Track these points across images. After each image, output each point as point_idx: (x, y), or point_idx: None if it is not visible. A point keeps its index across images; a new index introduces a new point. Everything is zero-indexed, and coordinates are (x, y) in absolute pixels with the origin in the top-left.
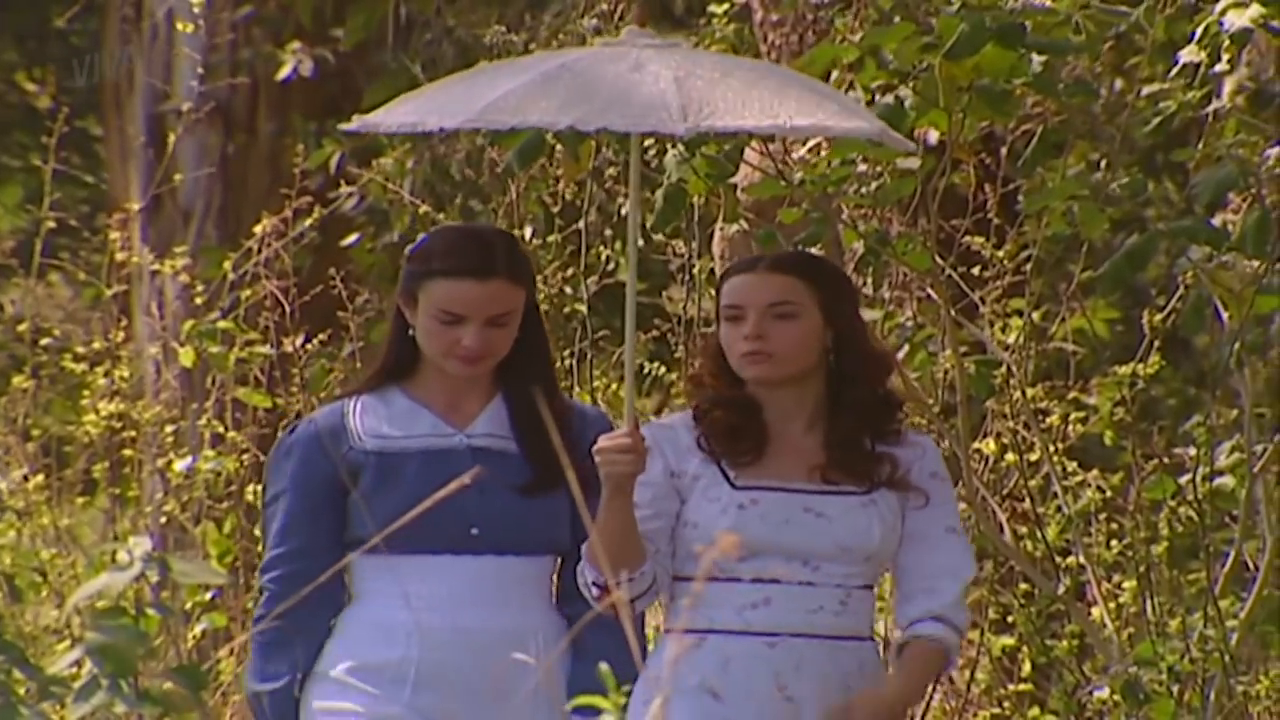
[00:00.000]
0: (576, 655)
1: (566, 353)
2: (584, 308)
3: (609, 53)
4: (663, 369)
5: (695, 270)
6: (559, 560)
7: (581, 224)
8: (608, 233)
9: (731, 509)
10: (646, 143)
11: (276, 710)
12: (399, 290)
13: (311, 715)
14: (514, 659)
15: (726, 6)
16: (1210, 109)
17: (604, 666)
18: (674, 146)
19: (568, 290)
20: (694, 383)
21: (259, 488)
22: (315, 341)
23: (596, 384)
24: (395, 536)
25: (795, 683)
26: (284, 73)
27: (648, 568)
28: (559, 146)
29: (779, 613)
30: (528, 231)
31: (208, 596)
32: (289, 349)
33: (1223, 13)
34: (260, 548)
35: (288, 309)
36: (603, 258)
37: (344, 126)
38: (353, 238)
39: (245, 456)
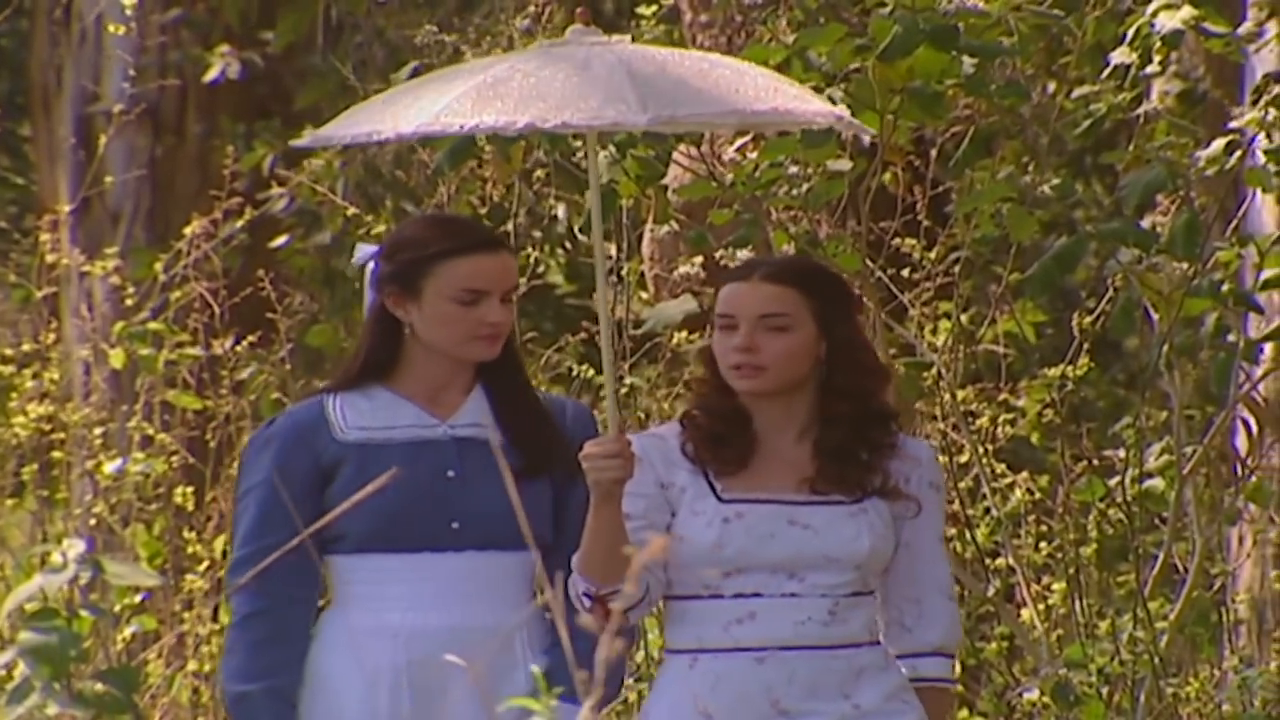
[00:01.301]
0: (555, 645)
1: None
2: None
3: (556, 52)
4: (591, 371)
5: (625, 272)
6: (542, 553)
7: (510, 226)
8: (537, 235)
9: (716, 522)
10: (575, 143)
11: (271, 710)
12: (387, 289)
13: None
14: (501, 656)
15: (655, 9)
16: (1140, 111)
17: (535, 669)
18: (605, 148)
19: None
20: (688, 388)
21: (188, 490)
22: (245, 343)
23: None
24: (375, 533)
25: (788, 696)
26: (212, 75)
27: (639, 578)
28: (489, 148)
29: (765, 626)
30: None
31: (137, 599)
32: (218, 351)
33: (1154, 14)
34: (190, 549)
35: (217, 311)
36: (531, 260)
37: (296, 143)
38: (282, 239)
39: (174, 459)
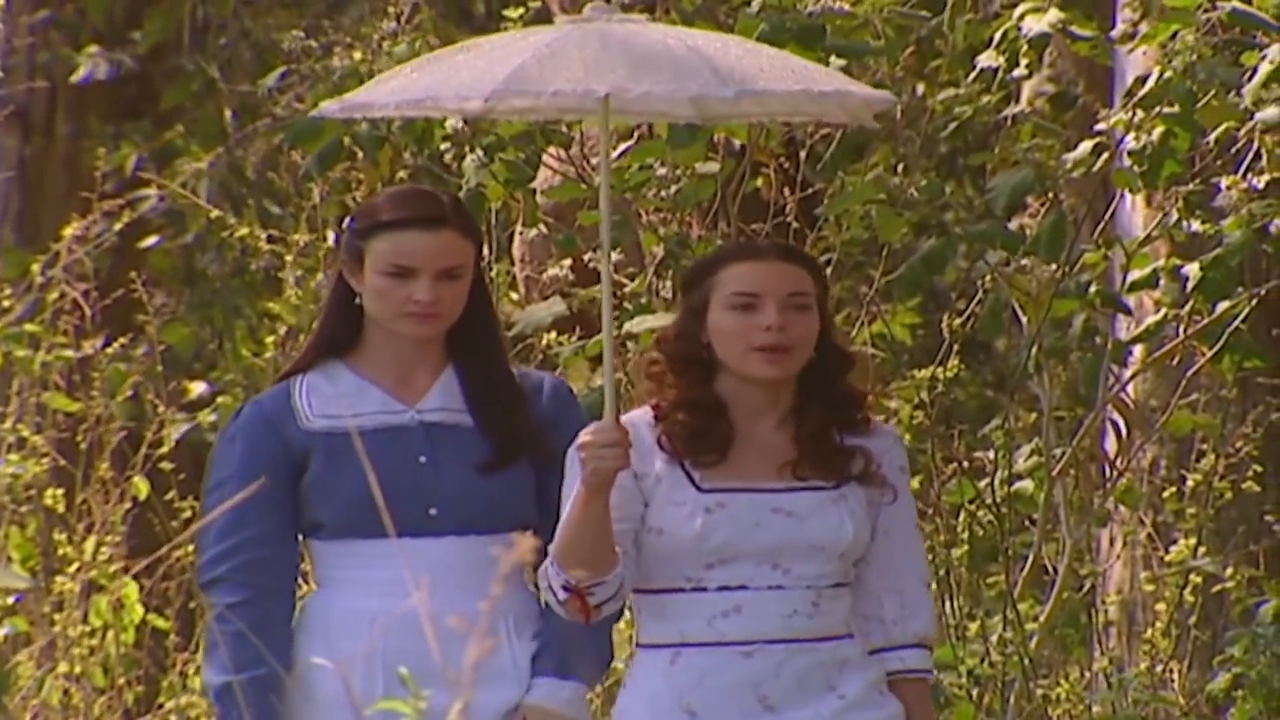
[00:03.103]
0: (543, 624)
1: None
2: None
3: (590, 29)
4: None
5: (494, 274)
6: (529, 533)
7: None
8: None
9: (699, 513)
10: (442, 145)
11: (254, 700)
12: (342, 257)
13: (292, 712)
14: (486, 641)
15: (522, 11)
16: (1008, 113)
17: (404, 670)
18: (472, 151)
19: None
20: (653, 380)
21: (60, 492)
22: (116, 344)
23: None
24: (352, 521)
25: (775, 691)
26: (80, 75)
27: (619, 571)
28: (359, 152)
29: (752, 620)
30: (329, 235)
31: (9, 600)
32: (89, 352)
33: (1021, 18)
34: (61, 551)
35: (88, 312)
36: None
37: (324, 108)
38: (153, 239)
39: (46, 460)
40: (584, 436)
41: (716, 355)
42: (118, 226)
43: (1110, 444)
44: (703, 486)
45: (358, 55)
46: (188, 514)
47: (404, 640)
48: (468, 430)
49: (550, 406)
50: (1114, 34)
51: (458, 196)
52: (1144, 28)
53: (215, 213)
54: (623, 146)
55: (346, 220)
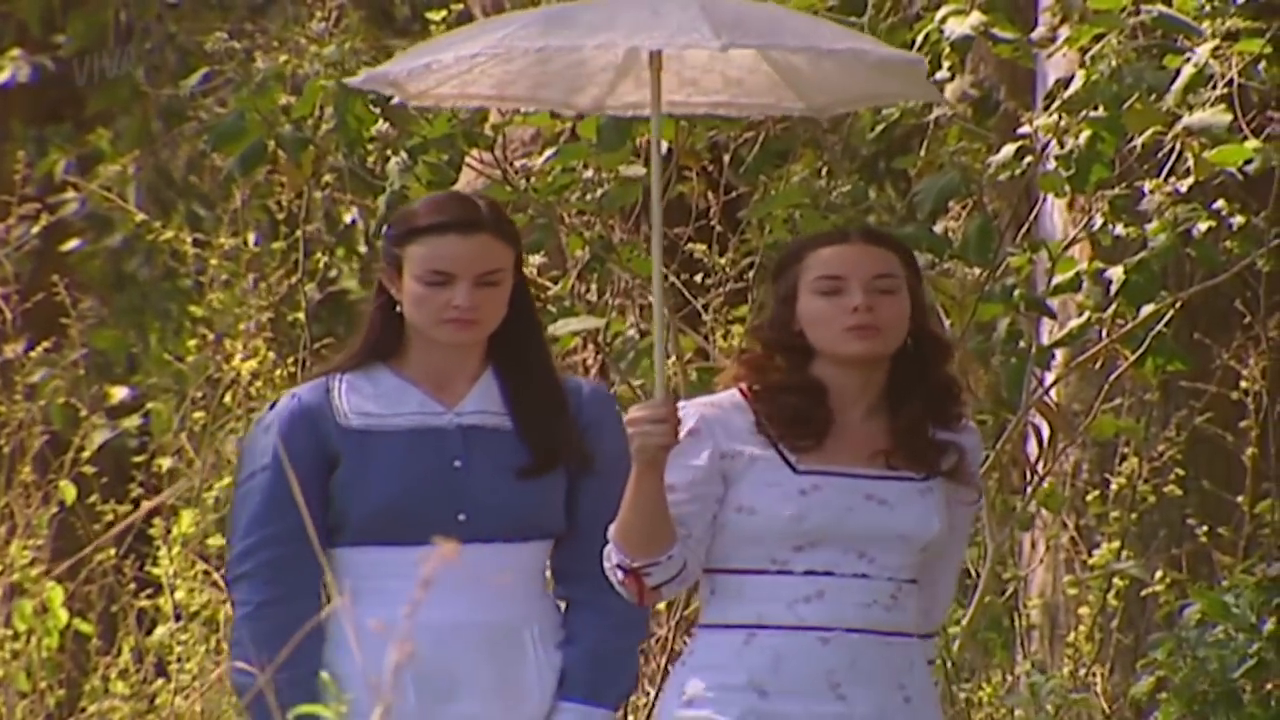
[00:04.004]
0: (568, 640)
1: (290, 360)
2: (304, 315)
3: None
4: None
5: None
6: (554, 543)
7: (300, 232)
8: (331, 239)
9: (794, 494)
10: (368, 146)
11: (286, 700)
12: (382, 265)
13: None
14: (511, 651)
15: (445, 14)
16: (932, 116)
17: (324, 675)
18: (396, 154)
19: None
20: (752, 367)
21: None
22: (38, 349)
23: None
24: (378, 526)
25: (849, 681)
26: (2, 78)
27: (676, 552)
28: (281, 155)
29: (833, 607)
30: (251, 238)
31: None
32: (10, 356)
33: (944, 20)
34: None
35: (9, 316)
36: (323, 265)
37: (352, 81)
38: (74, 243)
39: None
40: (633, 412)
41: (810, 341)
42: (35, 230)
43: (1033, 448)
44: (799, 468)
45: (282, 58)
46: (110, 518)
47: (431, 651)
48: (506, 434)
49: (590, 411)
50: (1034, 36)
51: (495, 202)
52: (1065, 31)
53: (141, 217)
54: (548, 152)
55: (384, 229)
